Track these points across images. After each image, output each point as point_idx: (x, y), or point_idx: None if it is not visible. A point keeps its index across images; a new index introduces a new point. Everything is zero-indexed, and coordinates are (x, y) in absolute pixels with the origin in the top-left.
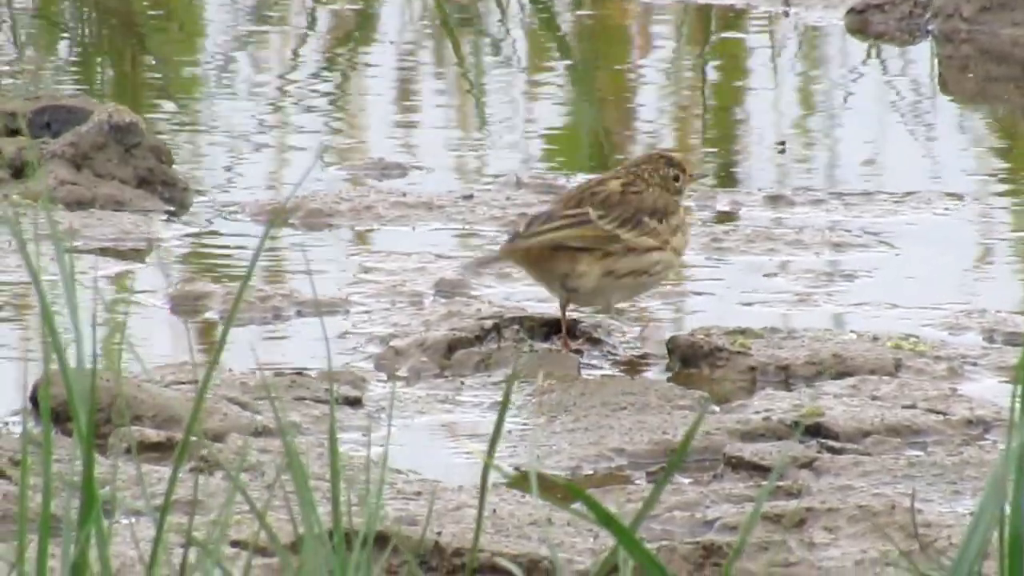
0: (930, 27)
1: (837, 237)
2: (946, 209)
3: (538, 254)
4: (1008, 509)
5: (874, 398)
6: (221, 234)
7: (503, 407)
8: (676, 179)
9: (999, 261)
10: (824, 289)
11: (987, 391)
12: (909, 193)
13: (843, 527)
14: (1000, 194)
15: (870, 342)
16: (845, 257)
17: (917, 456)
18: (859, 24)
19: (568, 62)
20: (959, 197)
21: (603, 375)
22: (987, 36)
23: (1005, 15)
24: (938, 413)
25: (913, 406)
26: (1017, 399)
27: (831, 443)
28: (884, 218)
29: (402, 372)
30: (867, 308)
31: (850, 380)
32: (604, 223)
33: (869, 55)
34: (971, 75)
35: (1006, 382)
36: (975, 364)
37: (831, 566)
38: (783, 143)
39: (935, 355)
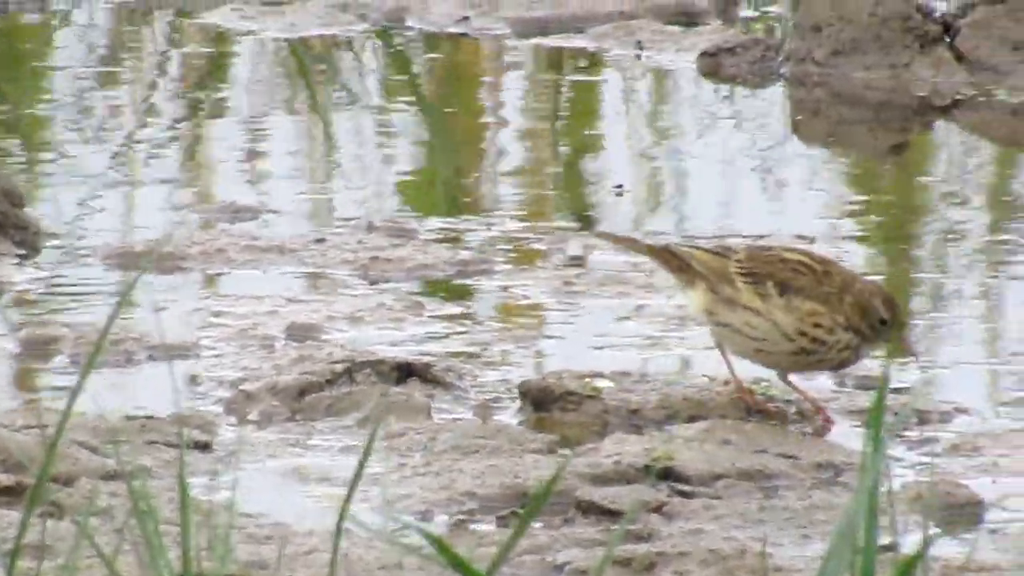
0: (782, 70)
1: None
2: None
3: (664, 259)
4: (859, 553)
5: (725, 442)
6: (72, 278)
7: (366, 451)
8: (882, 323)
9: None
10: (676, 333)
11: (838, 435)
12: (761, 236)
13: (694, 571)
14: (850, 237)
15: (722, 386)
16: None
17: (768, 500)
18: (711, 67)
19: (421, 106)
20: (810, 240)
21: (455, 418)
22: (839, 79)
23: (857, 58)
24: (789, 457)
25: (764, 450)
26: (868, 443)
27: (682, 487)
28: None
29: (253, 416)
30: (719, 352)
31: (701, 424)
32: (733, 264)
33: (721, 98)
34: (823, 118)
35: (857, 426)
36: (826, 407)
37: None
38: (620, 186)
39: (785, 399)
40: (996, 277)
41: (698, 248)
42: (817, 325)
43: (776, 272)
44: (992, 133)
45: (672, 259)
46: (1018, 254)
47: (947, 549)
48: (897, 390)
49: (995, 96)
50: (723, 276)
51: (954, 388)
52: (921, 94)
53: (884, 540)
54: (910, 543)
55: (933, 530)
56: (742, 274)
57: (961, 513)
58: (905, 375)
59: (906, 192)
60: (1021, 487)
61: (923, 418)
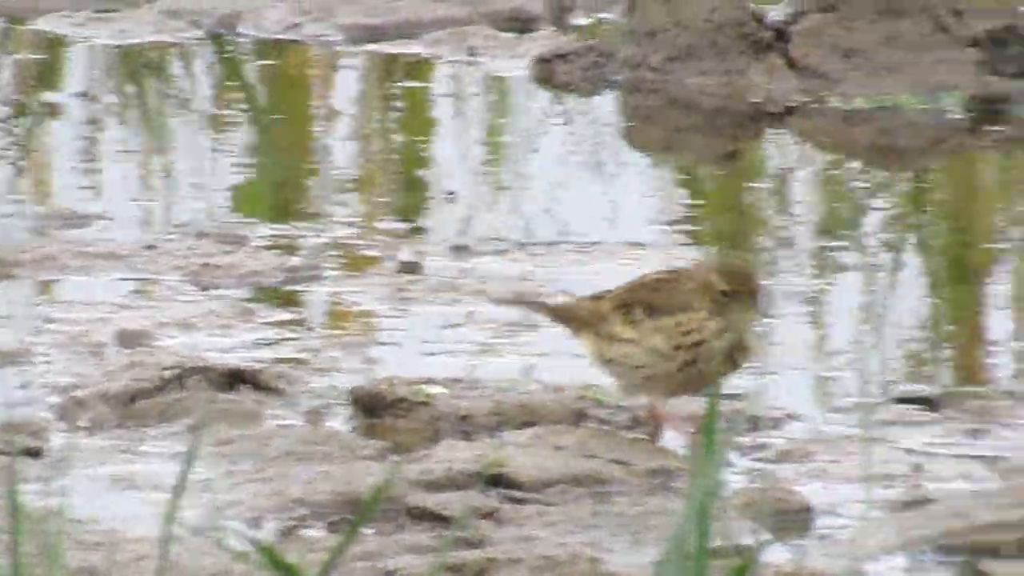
0: (617, 77)
1: (521, 287)
2: (630, 259)
3: (556, 316)
4: (691, 559)
5: (557, 448)
6: None
7: (189, 458)
8: (724, 294)
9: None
10: (508, 339)
11: (671, 441)
12: (594, 243)
13: None
14: (684, 244)
15: (554, 392)
16: None
17: (600, 506)
18: (544, 74)
19: (252, 112)
20: (643, 247)
21: (285, 425)
22: (674, 86)
23: (692, 64)
24: (621, 463)
25: (596, 456)
26: (701, 449)
27: (514, 493)
28: (569, 268)
29: (83, 422)
30: (551, 358)
31: (533, 430)
32: (607, 301)
33: (554, 105)
34: (657, 125)
35: (690, 432)
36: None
37: None
38: (452, 193)
39: (618, 405)
40: (826, 283)
41: (584, 298)
42: (687, 332)
43: (643, 296)
44: (824, 140)
45: (563, 312)
46: (848, 260)
47: (778, 555)
48: (730, 396)
49: (827, 103)
50: (601, 316)
51: (786, 394)
52: (755, 100)
53: (716, 546)
54: (742, 549)
55: (764, 536)
56: (615, 308)
57: (792, 519)
58: (738, 381)
59: (739, 198)
60: (851, 493)
61: (755, 424)
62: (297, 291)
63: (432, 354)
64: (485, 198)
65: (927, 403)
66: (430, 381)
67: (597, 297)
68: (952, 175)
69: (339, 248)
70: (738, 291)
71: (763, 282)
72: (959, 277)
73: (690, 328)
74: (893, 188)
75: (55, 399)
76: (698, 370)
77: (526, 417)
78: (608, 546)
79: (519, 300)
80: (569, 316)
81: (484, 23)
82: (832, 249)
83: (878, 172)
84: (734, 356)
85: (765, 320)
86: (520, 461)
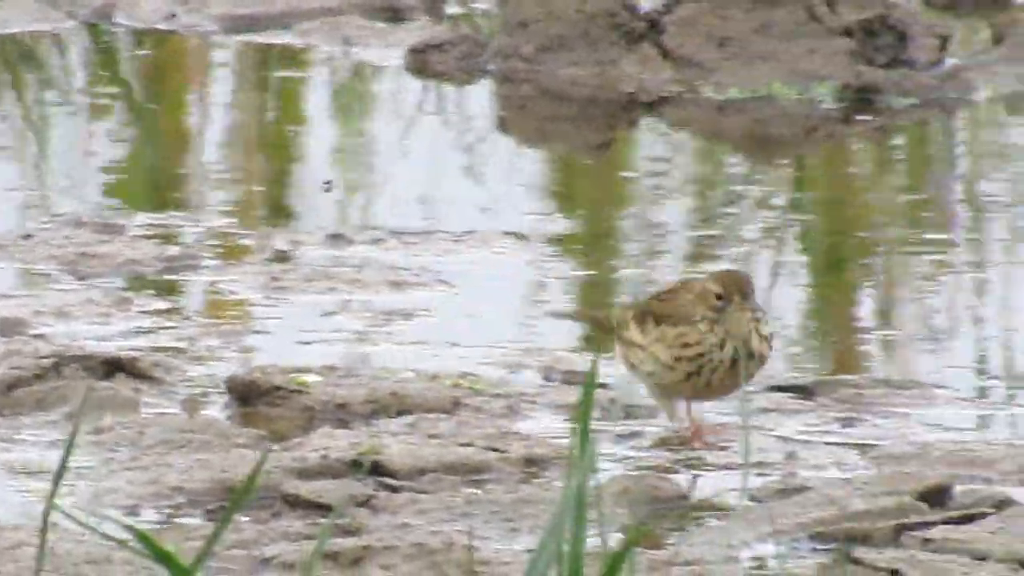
0: (490, 67)
1: (396, 276)
2: (504, 248)
3: (596, 323)
4: (566, 547)
5: (432, 436)
6: None
7: (69, 445)
8: (718, 297)
9: (556, 300)
10: (383, 328)
11: (545, 429)
12: (468, 232)
13: (400, 565)
14: (558, 233)
15: (429, 380)
16: (404, 296)
17: (475, 494)
18: (419, 63)
19: (128, 102)
20: (518, 236)
21: (162, 413)
22: (546, 76)
23: (564, 55)
24: (496, 451)
25: (471, 444)
26: (576, 437)
27: (389, 481)
28: (443, 257)
29: None
30: (426, 347)
31: (408, 418)
32: (631, 309)
33: (428, 94)
34: (530, 114)
35: (564, 420)
36: (533, 402)
37: None
38: (329, 182)
39: (493, 393)
40: (701, 272)
41: (617, 307)
42: (686, 344)
43: (655, 307)
44: (698, 129)
45: (601, 322)
46: (722, 248)
47: (653, 543)
48: (604, 385)
49: (701, 93)
50: (624, 323)
51: None
52: (628, 90)
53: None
54: (617, 538)
55: (639, 524)
56: (634, 316)
57: (667, 507)
58: (612, 369)
59: (612, 188)
60: (725, 480)
61: (629, 412)
62: (174, 280)
63: (308, 343)
64: (360, 187)
65: (802, 391)
66: (305, 370)
67: (627, 306)
68: (825, 164)
69: (216, 237)
70: (730, 293)
71: (753, 282)
72: (833, 266)
73: (688, 341)
74: (766, 177)
75: None
76: (706, 380)
77: (401, 405)
78: (483, 534)
79: (576, 315)
80: (604, 324)
81: (358, 13)
82: (706, 239)
83: (751, 161)
84: (744, 364)
85: (764, 319)
86: (395, 449)
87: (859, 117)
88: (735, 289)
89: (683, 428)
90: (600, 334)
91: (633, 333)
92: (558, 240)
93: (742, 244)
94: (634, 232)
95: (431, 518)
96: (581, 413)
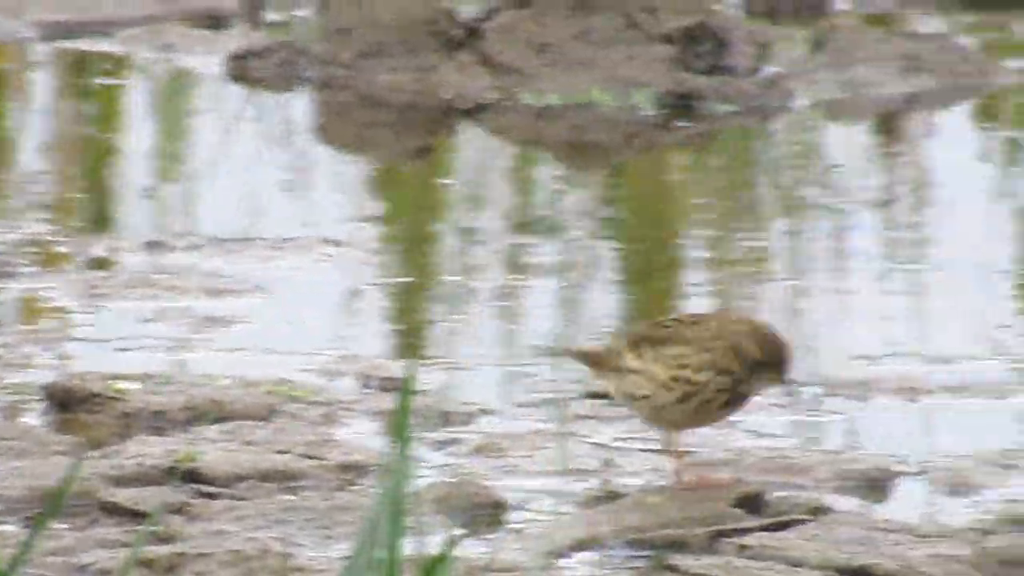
0: (309, 74)
1: (214, 283)
2: (323, 255)
3: (584, 358)
4: (383, 554)
5: (249, 443)
6: None
7: None
8: (758, 363)
9: (374, 307)
10: (202, 335)
11: (362, 436)
12: (287, 239)
13: (215, 571)
14: (376, 240)
15: (246, 387)
16: (223, 303)
17: (291, 500)
18: (239, 70)
19: None
20: (336, 243)
21: None
22: (365, 83)
23: (384, 62)
24: (312, 458)
25: (288, 451)
26: (393, 444)
27: (206, 488)
28: (262, 264)
29: None
30: (244, 354)
31: (225, 425)
32: (624, 339)
33: (248, 101)
34: (349, 121)
35: (382, 427)
36: (350, 409)
37: None
38: (147, 189)
39: (310, 400)
40: (519, 279)
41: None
42: (684, 366)
43: (651, 334)
44: (517, 136)
45: (590, 355)
46: (536, 255)
47: (471, 549)
48: (421, 392)
49: (520, 99)
50: (617, 352)
51: (477, 389)
52: (447, 97)
53: (409, 541)
54: (434, 544)
55: (457, 531)
56: (627, 345)
57: (484, 513)
58: (429, 376)
59: (430, 195)
60: (542, 487)
61: (447, 419)
62: None
63: (126, 350)
64: (180, 194)
65: None
66: (123, 376)
67: (619, 336)
68: (644, 171)
69: (33, 244)
70: (773, 368)
71: (792, 354)
72: (650, 272)
73: (688, 363)
74: (586, 184)
75: None
76: (695, 406)
77: (218, 412)
78: (298, 541)
79: (567, 352)
80: (595, 360)
81: (180, 20)
82: (525, 245)
83: (571, 168)
84: (732, 401)
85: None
86: (212, 456)
87: (679, 124)
88: (778, 367)
89: (680, 464)
90: (593, 370)
91: (628, 359)
92: (377, 247)
93: (560, 250)
94: (450, 237)
95: (247, 525)
96: (398, 420)
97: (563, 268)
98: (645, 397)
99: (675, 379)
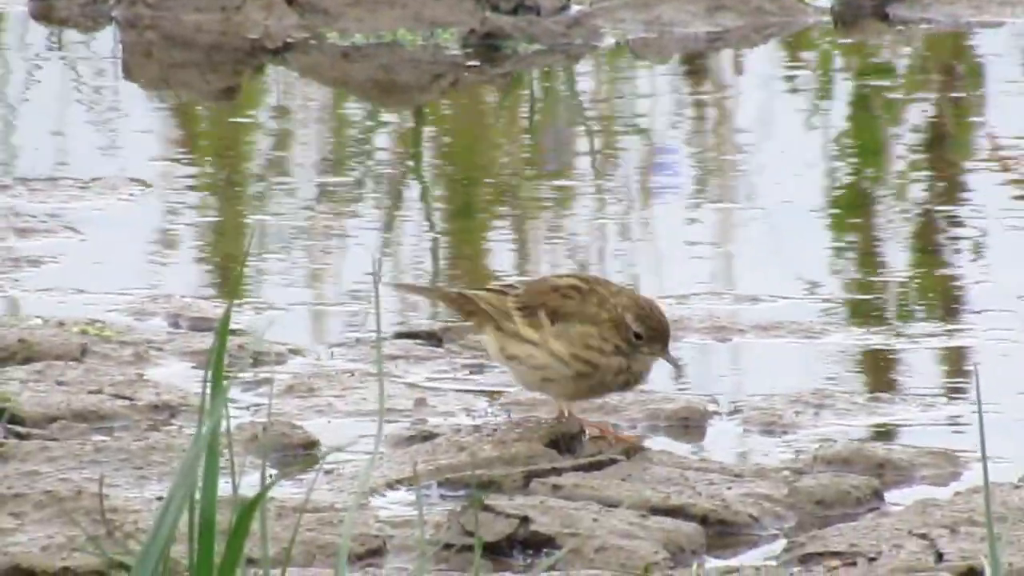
0: (114, 13)
1: (22, 223)
2: (131, 195)
3: (458, 305)
4: (198, 494)
5: (60, 383)
6: None
7: None
8: (637, 337)
9: (183, 247)
10: (9, 275)
11: (173, 376)
12: (95, 179)
13: (29, 512)
14: (183, 179)
15: (56, 328)
16: (30, 243)
17: (104, 441)
18: (43, 11)
19: None
20: (144, 183)
21: None
22: (171, 22)
23: (188, 1)
24: (124, 398)
25: (100, 391)
26: (207, 384)
27: (17, 429)
28: (69, 204)
29: None
30: (53, 294)
31: (36, 365)
32: (511, 299)
33: (53, 41)
34: (155, 61)
35: (193, 367)
36: (161, 349)
37: (18, 551)
38: None
39: (121, 340)
40: (327, 217)
41: (485, 289)
42: (589, 347)
43: (548, 301)
44: (323, 75)
45: (465, 303)
46: (346, 194)
47: (284, 490)
48: (233, 332)
49: (326, 39)
50: (505, 313)
51: (289, 330)
52: (253, 37)
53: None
54: (248, 485)
55: (270, 471)
56: (518, 308)
57: (297, 454)
58: (241, 317)
59: (237, 134)
60: (354, 427)
61: (258, 360)
62: None
63: None
64: None
65: (430, 338)
66: None
67: (500, 292)
68: (451, 110)
69: None
70: (652, 341)
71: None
72: (462, 212)
73: (592, 344)
74: (392, 124)
75: None
76: (591, 384)
77: (29, 353)
78: (113, 481)
79: (422, 290)
80: (474, 309)
81: None
82: (334, 185)
83: (377, 107)
84: (630, 380)
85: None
86: (23, 397)
87: (485, 63)
88: (659, 340)
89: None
90: (466, 319)
91: (523, 328)
92: (185, 187)
93: (370, 190)
94: (261, 179)
95: (61, 466)
96: (213, 360)
97: (373, 207)
98: (538, 368)
99: (576, 357)
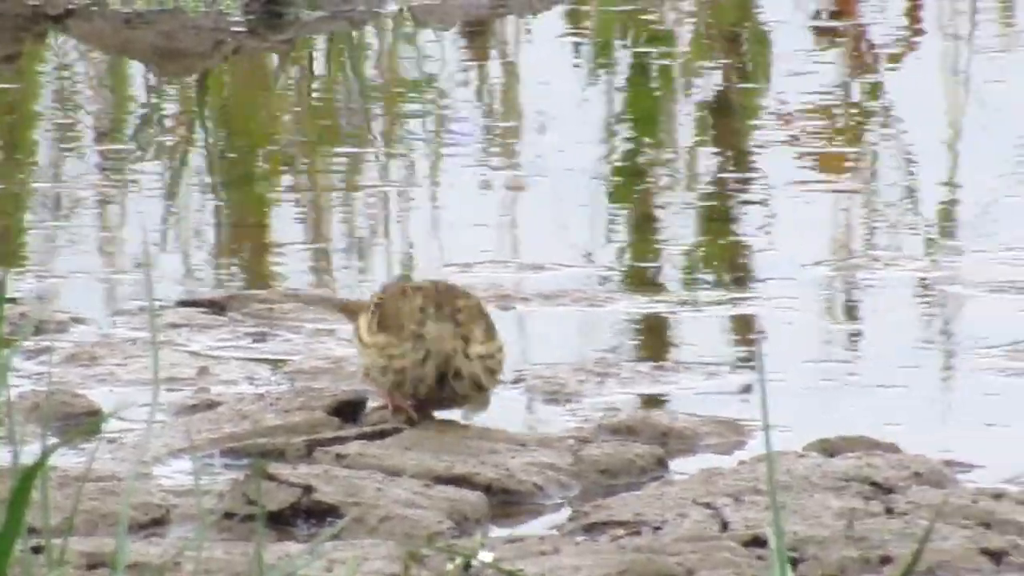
0: None
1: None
2: None
3: (346, 312)
4: None
5: None
6: None
7: None
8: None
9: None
10: None
11: None
12: None
13: None
14: None
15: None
16: None
17: None
18: None
19: None
20: None
21: None
22: None
23: None
24: None
25: None
26: None
27: None
28: None
29: None
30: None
31: None
32: (375, 297)
33: None
34: None
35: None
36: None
37: None
38: None
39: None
40: (112, 185)
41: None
42: (391, 356)
43: (386, 308)
44: (105, 42)
45: (346, 308)
46: (128, 163)
47: (66, 459)
48: (12, 300)
49: (108, 5)
50: (365, 308)
51: (71, 298)
52: (34, 3)
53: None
54: (29, 453)
55: (51, 440)
56: (373, 308)
57: (79, 422)
58: (23, 285)
59: (18, 102)
60: (136, 396)
61: (40, 328)
62: None
63: None
64: None
65: (213, 306)
66: None
67: (375, 294)
68: (233, 78)
69: None
70: (427, 305)
71: (460, 294)
72: (242, 180)
73: (393, 353)
74: (174, 91)
75: None
76: (412, 392)
77: None
78: None
79: (315, 300)
80: (352, 309)
81: None
82: (116, 153)
83: (158, 75)
84: (451, 383)
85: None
86: None
87: (266, 30)
88: (430, 302)
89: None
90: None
91: (362, 329)
92: None
93: (150, 157)
94: (43, 146)
95: None
96: None
97: (155, 175)
98: (365, 372)
99: (385, 369)
